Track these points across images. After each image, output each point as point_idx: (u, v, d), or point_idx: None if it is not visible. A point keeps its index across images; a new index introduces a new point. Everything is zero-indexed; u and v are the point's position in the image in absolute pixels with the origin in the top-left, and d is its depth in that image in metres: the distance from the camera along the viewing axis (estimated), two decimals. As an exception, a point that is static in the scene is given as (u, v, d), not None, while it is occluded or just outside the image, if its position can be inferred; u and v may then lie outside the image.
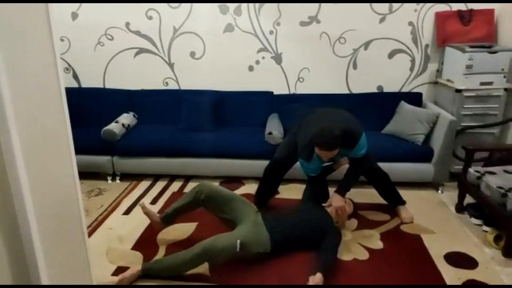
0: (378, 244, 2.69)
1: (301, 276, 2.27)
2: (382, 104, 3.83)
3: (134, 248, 2.64)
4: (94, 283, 1.90)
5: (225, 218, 2.57)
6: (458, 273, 2.40)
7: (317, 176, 2.80)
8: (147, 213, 2.66)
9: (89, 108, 3.98)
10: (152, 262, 2.38)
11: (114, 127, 3.59)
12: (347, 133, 2.54)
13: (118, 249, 2.64)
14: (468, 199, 3.06)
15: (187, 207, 2.61)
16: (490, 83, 3.43)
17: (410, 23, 3.81)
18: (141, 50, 4.08)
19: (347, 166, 2.91)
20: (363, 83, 4.00)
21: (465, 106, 3.47)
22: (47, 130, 1.46)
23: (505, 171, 2.86)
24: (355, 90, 4.03)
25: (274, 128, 3.50)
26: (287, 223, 2.55)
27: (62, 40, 4.08)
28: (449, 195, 3.37)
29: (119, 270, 2.40)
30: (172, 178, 3.70)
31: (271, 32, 3.93)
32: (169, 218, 2.65)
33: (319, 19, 3.84)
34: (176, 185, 3.58)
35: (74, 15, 3.99)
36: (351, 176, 2.85)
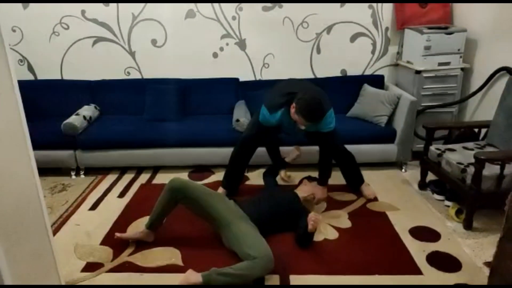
0: (347, 223, 2.77)
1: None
2: (346, 88, 3.89)
3: (103, 243, 2.58)
4: (63, 281, 1.85)
5: (204, 213, 2.47)
6: (423, 245, 2.51)
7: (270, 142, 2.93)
8: (128, 237, 2.54)
9: (48, 101, 3.84)
10: (213, 274, 2.11)
11: (75, 120, 3.46)
12: (323, 103, 2.63)
13: (86, 245, 2.57)
14: (430, 176, 3.19)
15: (168, 208, 2.49)
16: (448, 63, 3.56)
17: (370, 7, 3.87)
18: (99, 39, 3.93)
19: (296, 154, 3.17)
20: (327, 67, 4.04)
21: (424, 87, 3.59)
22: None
23: (464, 148, 2.99)
24: (320, 75, 4.07)
25: (241, 115, 3.48)
26: (264, 208, 2.57)
27: (14, 31, 3.87)
28: (412, 173, 3.50)
29: (89, 266, 2.35)
30: (139, 170, 3.62)
31: (233, 18, 3.88)
32: (156, 224, 2.52)
33: (281, 4, 3.83)
34: (144, 177, 3.51)
35: (25, 3, 3.77)
36: (326, 166, 2.99)
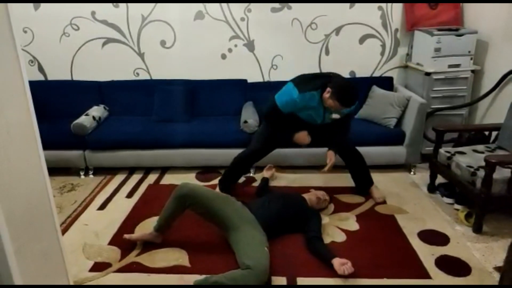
0: (355, 226, 2.75)
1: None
2: (355, 89, 3.87)
3: (111, 243, 2.60)
4: (71, 280, 1.87)
5: (213, 218, 2.45)
6: (431, 249, 2.49)
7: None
8: (136, 239, 2.54)
9: (58, 101, 3.87)
10: (206, 282, 2.08)
11: (84, 120, 3.49)
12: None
13: (94, 245, 2.59)
14: (440, 179, 3.16)
15: (176, 214, 2.47)
16: (458, 65, 3.52)
17: (380, 8, 3.85)
18: (109, 40, 3.96)
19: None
20: (336, 69, 3.95)
21: (434, 89, 3.56)
22: (11, 126, 1.40)
23: (474, 151, 2.96)
24: (328, 76, 4.05)
25: (249, 117, 3.48)
26: (273, 210, 2.55)
27: (25, 32, 3.91)
28: (421, 176, 3.47)
29: (97, 266, 2.37)
30: (147, 170, 3.64)
31: (242, 19, 3.88)
32: (164, 228, 2.51)
33: (290, 5, 3.82)
34: (152, 178, 3.53)
35: (36, 5, 3.82)
36: (340, 134, 2.94)
